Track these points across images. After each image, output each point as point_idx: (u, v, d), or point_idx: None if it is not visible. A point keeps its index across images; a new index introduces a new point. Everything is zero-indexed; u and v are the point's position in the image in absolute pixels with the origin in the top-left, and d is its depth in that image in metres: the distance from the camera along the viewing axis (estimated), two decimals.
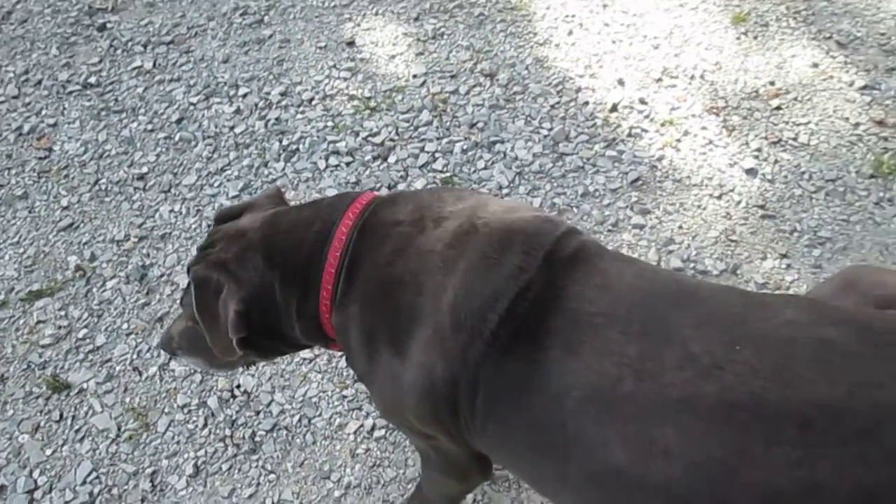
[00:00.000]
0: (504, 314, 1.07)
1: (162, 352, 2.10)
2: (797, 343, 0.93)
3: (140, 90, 2.87)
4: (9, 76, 2.98)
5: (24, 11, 3.29)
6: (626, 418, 0.96)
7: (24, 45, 3.12)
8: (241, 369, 2.00)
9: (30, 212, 2.51)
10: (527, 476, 1.20)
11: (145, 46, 3.05)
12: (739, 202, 2.35)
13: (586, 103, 2.66)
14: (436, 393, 1.13)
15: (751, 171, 2.43)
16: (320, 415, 1.97)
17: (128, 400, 2.03)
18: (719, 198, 2.37)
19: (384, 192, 2.40)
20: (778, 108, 2.61)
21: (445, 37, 2.95)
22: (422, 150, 2.54)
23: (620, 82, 2.72)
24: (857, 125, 2.55)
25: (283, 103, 2.76)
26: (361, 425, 1.94)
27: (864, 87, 2.65)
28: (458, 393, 1.12)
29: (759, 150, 2.49)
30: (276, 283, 1.27)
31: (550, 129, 2.57)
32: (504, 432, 1.12)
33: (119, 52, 3.04)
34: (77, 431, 1.99)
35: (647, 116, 2.61)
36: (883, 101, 2.61)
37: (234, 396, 2.02)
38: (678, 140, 2.53)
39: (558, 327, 1.04)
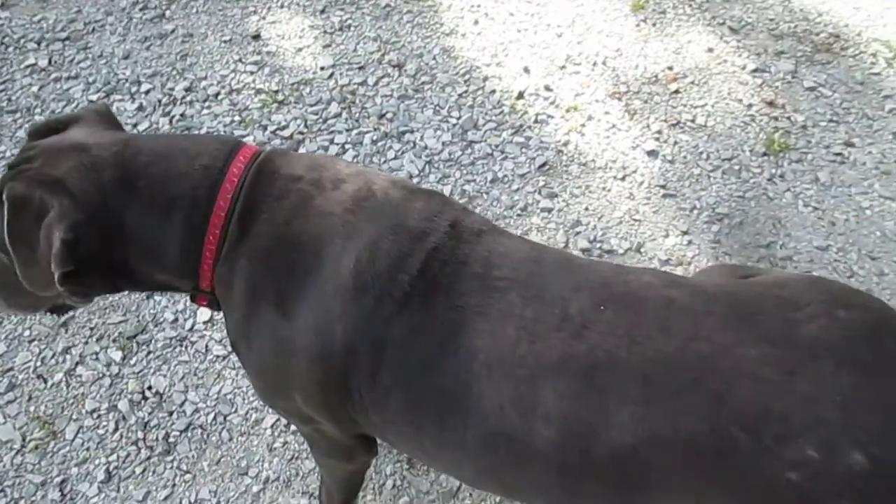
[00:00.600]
0: (416, 274, 1.08)
1: (67, 357, 2.04)
2: (647, 301, 1.03)
3: (35, 89, 2.76)
4: None
5: None
6: (519, 381, 1.02)
7: None
8: (47, 318, 1.95)
9: None
10: (422, 449, 1.20)
11: (39, 43, 2.93)
12: (642, 183, 2.44)
13: (493, 91, 2.70)
14: (330, 360, 1.11)
15: (652, 153, 2.52)
16: (236, 411, 1.94)
17: (32, 409, 1.96)
18: (623, 179, 2.45)
19: None
20: (676, 91, 2.71)
21: (352, 28, 2.95)
22: (331, 142, 2.53)
23: (526, 70, 2.77)
24: (749, 106, 2.67)
25: (188, 99, 2.70)
26: (278, 419, 1.92)
27: (756, 70, 2.78)
28: (355, 362, 1.11)
29: (659, 132, 2.58)
30: (132, 211, 1.12)
31: (459, 118, 2.60)
32: (408, 401, 1.12)
33: (11, 49, 2.92)
34: None
35: (552, 103, 2.67)
36: (773, 83, 2.75)
37: (145, 398, 1.97)
38: (583, 125, 2.60)
39: (469, 290, 1.07)
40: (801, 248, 2.28)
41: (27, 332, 2.10)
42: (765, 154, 2.52)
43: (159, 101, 2.70)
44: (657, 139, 2.56)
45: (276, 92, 2.70)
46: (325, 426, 1.27)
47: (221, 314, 1.27)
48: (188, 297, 1.30)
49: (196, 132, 2.55)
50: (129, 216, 1.12)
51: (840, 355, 0.94)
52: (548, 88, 2.71)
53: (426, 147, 2.51)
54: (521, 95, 2.68)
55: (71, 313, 2.08)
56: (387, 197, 1.15)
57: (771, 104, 2.68)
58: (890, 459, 0.89)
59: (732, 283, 1.11)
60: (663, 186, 2.42)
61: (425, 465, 1.84)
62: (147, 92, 2.73)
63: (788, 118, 2.64)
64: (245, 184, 1.14)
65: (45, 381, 2.01)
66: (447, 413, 1.09)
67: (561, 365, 1.00)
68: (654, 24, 2.97)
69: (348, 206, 1.13)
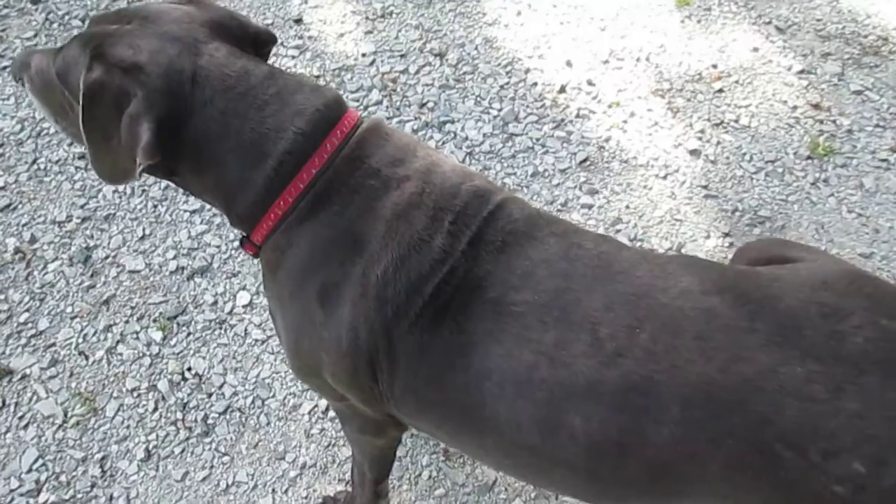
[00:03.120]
0: (428, 299, 1.09)
1: (108, 335, 2.06)
2: (686, 317, 1.01)
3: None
4: None
5: None
6: (538, 403, 1.03)
7: None
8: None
9: None
10: (446, 440, 1.25)
11: (83, 21, 2.94)
12: (684, 182, 2.42)
13: (535, 84, 2.68)
14: (358, 353, 1.14)
15: (694, 152, 2.49)
16: (274, 396, 1.96)
17: (74, 385, 1.99)
18: (664, 178, 2.43)
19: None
20: (720, 90, 2.68)
21: (394, 15, 2.93)
22: None
23: (568, 64, 2.75)
24: (794, 108, 2.64)
25: None
26: (316, 405, 1.94)
27: (802, 72, 2.74)
28: (377, 362, 1.15)
29: (702, 131, 2.56)
30: (218, 144, 1.11)
31: (500, 110, 2.59)
32: (421, 405, 1.17)
33: (55, 25, 2.93)
34: (21, 418, 1.93)
35: (594, 98, 2.65)
36: (819, 86, 2.71)
37: (184, 379, 1.99)
38: (625, 121, 2.58)
39: (481, 314, 1.08)
40: (845, 254, 2.26)
41: (69, 309, 2.12)
42: (809, 157, 2.49)
43: None
44: (700, 138, 2.54)
45: (318, 77, 2.70)
46: (356, 403, 1.30)
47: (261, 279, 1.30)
48: (236, 244, 1.32)
49: None
50: (209, 149, 1.12)
51: (887, 368, 0.93)
52: (590, 83, 2.69)
53: (467, 138, 2.50)
54: (563, 89, 2.66)
55: None
56: (435, 204, 1.14)
57: (816, 107, 2.64)
58: None
59: (775, 283, 1.06)
60: (705, 187, 2.40)
61: (461, 457, 1.85)
62: None
63: (834, 122, 2.60)
64: (331, 166, 1.13)
65: (87, 358, 2.03)
66: (461, 421, 1.13)
67: (589, 390, 1.01)
68: (698, 21, 2.93)
69: (399, 210, 1.13)
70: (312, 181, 1.12)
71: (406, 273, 1.10)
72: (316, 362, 1.21)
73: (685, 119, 2.59)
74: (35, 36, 2.89)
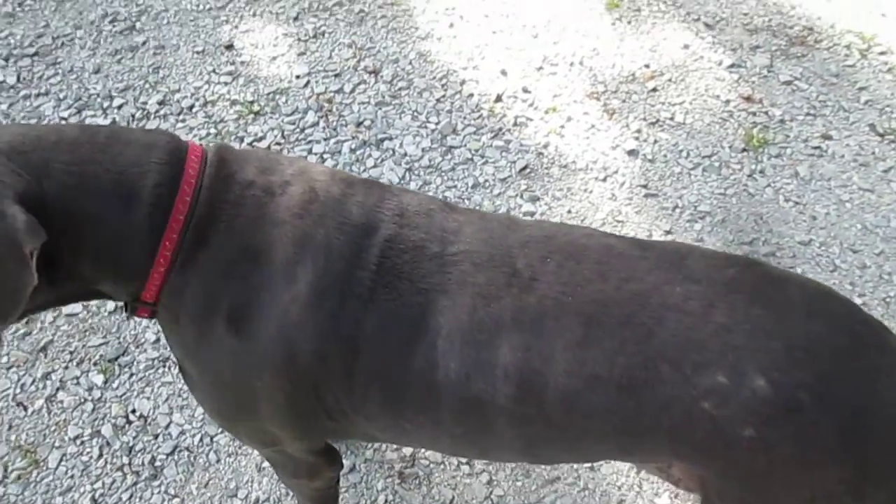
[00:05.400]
0: (375, 268, 1.08)
1: (47, 382, 1.99)
2: (588, 248, 1.10)
3: (4, 107, 2.71)
4: None
5: None
6: (479, 345, 1.06)
7: None
8: None
9: None
10: (400, 433, 1.21)
11: (7, 60, 2.87)
12: (623, 183, 2.43)
13: (471, 95, 2.69)
14: (297, 369, 1.10)
15: (632, 153, 2.51)
16: (222, 432, 1.91)
17: (13, 437, 1.92)
18: (604, 180, 2.44)
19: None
20: (654, 89, 2.71)
21: (327, 35, 2.91)
22: (310, 151, 2.50)
23: (503, 72, 2.76)
24: (727, 102, 2.68)
25: (162, 112, 2.66)
26: None
27: (732, 66, 2.79)
28: (326, 368, 1.10)
29: (638, 131, 2.58)
30: (80, 200, 1.00)
31: (437, 123, 2.58)
32: (386, 394, 1.12)
33: None
34: None
35: (530, 105, 2.66)
36: (749, 78, 2.75)
37: (129, 422, 1.94)
38: (562, 126, 2.59)
39: (430, 271, 1.09)
40: (784, 243, 2.29)
41: (4, 359, 2.05)
42: (744, 150, 2.53)
43: (132, 115, 2.66)
44: (637, 138, 2.56)
45: (252, 102, 2.67)
46: (287, 445, 1.26)
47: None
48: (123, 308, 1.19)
49: None
50: (76, 205, 1.00)
51: (755, 292, 1.03)
52: (525, 90, 2.70)
53: (406, 154, 2.49)
54: (499, 98, 2.66)
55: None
56: (329, 195, 1.14)
57: (748, 99, 2.68)
58: (789, 382, 0.95)
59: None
60: (645, 186, 2.42)
61: (417, 479, 1.83)
62: (120, 107, 2.69)
63: (766, 113, 2.64)
64: (202, 186, 1.08)
65: (26, 409, 1.97)
66: (422, 395, 1.11)
67: (514, 320, 1.05)
68: (629, 23, 2.97)
69: (296, 211, 1.10)
70: (190, 210, 1.06)
71: (341, 256, 1.08)
72: (245, 399, 1.16)
73: (621, 120, 2.61)
74: None
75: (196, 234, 1.07)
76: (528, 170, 2.45)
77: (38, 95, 2.75)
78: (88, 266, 1.06)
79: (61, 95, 2.74)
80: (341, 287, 1.07)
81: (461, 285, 1.07)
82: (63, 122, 2.64)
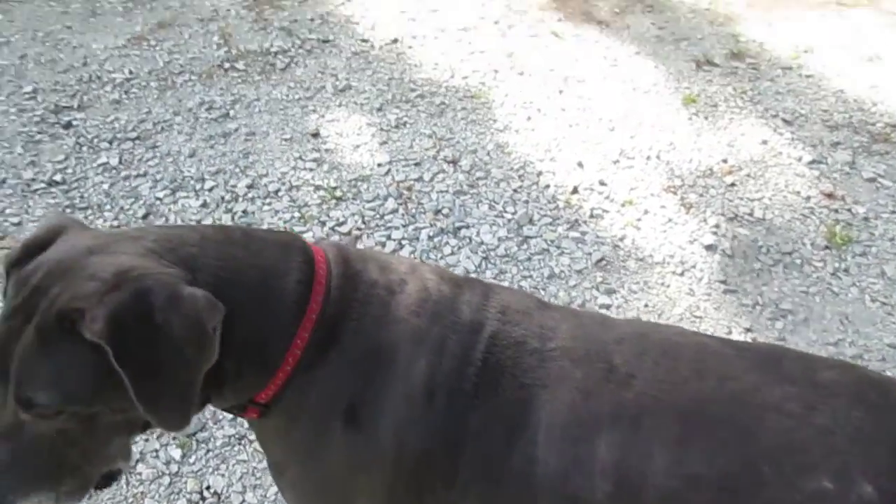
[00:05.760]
0: (480, 364, 1.10)
1: None
2: (683, 347, 1.12)
3: (106, 186, 2.88)
4: None
5: None
6: (578, 442, 1.06)
7: None
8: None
9: None
10: None
11: (111, 143, 3.07)
12: (701, 278, 2.41)
13: (548, 186, 2.73)
14: (404, 466, 1.11)
15: (710, 247, 2.49)
16: None
17: None
18: (682, 274, 2.42)
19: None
20: (732, 184, 2.71)
21: (408, 126, 3.03)
22: (388, 237, 2.57)
23: (580, 165, 2.80)
24: (808, 198, 2.65)
25: (250, 195, 2.78)
26: None
27: (812, 162, 2.77)
28: (431, 465, 1.11)
29: (717, 226, 2.57)
30: (238, 303, 1.00)
31: (514, 213, 2.62)
32: (486, 491, 1.12)
33: (85, 148, 3.06)
34: None
35: (607, 197, 2.68)
36: (830, 175, 2.72)
37: (203, 498, 1.96)
38: (638, 219, 2.60)
39: (531, 366, 1.11)
40: (872, 345, 2.21)
41: None
42: (826, 247, 2.48)
43: (222, 197, 2.79)
44: (715, 233, 2.54)
45: (335, 188, 2.78)
46: None
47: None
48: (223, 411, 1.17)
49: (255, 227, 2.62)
50: (228, 297, 0.98)
51: (854, 395, 1.02)
52: (602, 183, 2.73)
53: (482, 242, 2.53)
54: (575, 190, 2.70)
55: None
56: (441, 294, 1.18)
57: (830, 196, 2.65)
58: None
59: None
60: (724, 282, 2.39)
61: None
62: (211, 189, 2.83)
63: (849, 210, 2.60)
64: (332, 286, 1.11)
65: None
66: (521, 491, 1.10)
67: (612, 416, 1.05)
68: (706, 118, 2.99)
69: (413, 309, 1.14)
70: (322, 308, 1.10)
71: (451, 354, 1.11)
72: (345, 495, 1.17)
73: (699, 214, 2.61)
74: (66, 159, 3.02)
75: (327, 332, 1.09)
76: (604, 262, 2.46)
77: (136, 176, 2.92)
78: (233, 361, 1.02)
79: (158, 177, 2.91)
80: (451, 385, 1.09)
81: (560, 380, 1.09)
82: (158, 201, 2.79)
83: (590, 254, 2.48)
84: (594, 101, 3.09)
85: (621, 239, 2.54)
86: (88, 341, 0.88)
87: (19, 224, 2.77)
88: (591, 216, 2.61)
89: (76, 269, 0.95)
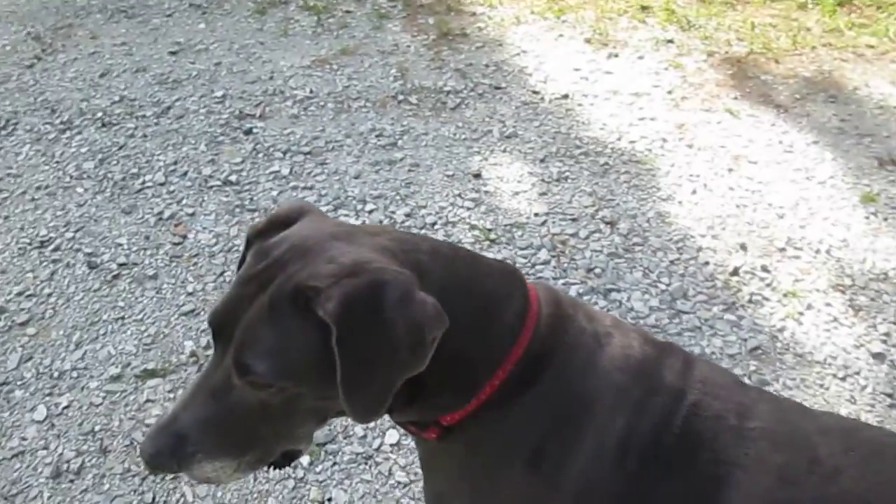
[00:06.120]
0: (679, 433, 1.05)
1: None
2: (890, 447, 1.06)
3: (274, 193, 3.04)
4: (159, 164, 3.21)
5: (181, 108, 3.58)
6: None
7: (177, 138, 3.38)
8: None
9: (157, 292, 2.63)
10: None
11: (285, 153, 3.25)
12: (865, 387, 2.24)
13: (706, 263, 2.65)
14: None
15: (878, 356, 2.33)
16: None
17: (220, 494, 2.03)
18: (843, 379, 2.27)
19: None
20: None
21: (569, 181, 3.03)
22: None
23: (743, 247, 2.71)
24: None
25: (407, 224, 2.85)
26: None
27: None
28: None
29: (887, 334, 2.40)
30: (450, 304, 0.97)
31: (669, 285, 2.56)
32: None
33: (260, 155, 3.25)
34: None
35: (768, 285, 2.57)
36: None
37: None
38: (801, 313, 2.47)
39: (729, 443, 1.05)
40: None
41: None
42: None
43: (380, 221, 2.88)
44: (885, 342, 2.37)
45: (490, 230, 2.80)
46: None
47: (414, 445, 1.18)
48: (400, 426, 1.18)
49: None
50: (449, 308, 0.95)
51: None
52: (765, 269, 2.62)
53: (632, 309, 2.48)
54: (735, 272, 2.60)
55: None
56: (645, 354, 1.14)
57: None
58: None
59: None
60: (890, 395, 2.22)
61: None
62: (371, 211, 2.92)
63: None
64: (543, 324, 1.09)
65: None
66: None
67: None
68: (885, 219, 2.83)
69: (618, 363, 1.11)
70: (532, 340, 1.08)
71: (650, 417, 1.06)
72: None
73: (868, 319, 2.45)
74: (242, 162, 3.21)
75: (529, 368, 1.07)
76: (759, 351, 2.34)
77: (303, 188, 3.06)
78: (435, 376, 1.00)
79: (323, 192, 3.04)
80: (646, 448, 1.05)
81: (759, 462, 1.03)
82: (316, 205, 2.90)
83: (745, 339, 2.37)
84: (764, 185, 2.99)
85: (780, 330, 2.41)
86: (315, 320, 0.90)
87: (193, 215, 2.96)
88: (750, 301, 2.51)
89: (318, 251, 0.98)
